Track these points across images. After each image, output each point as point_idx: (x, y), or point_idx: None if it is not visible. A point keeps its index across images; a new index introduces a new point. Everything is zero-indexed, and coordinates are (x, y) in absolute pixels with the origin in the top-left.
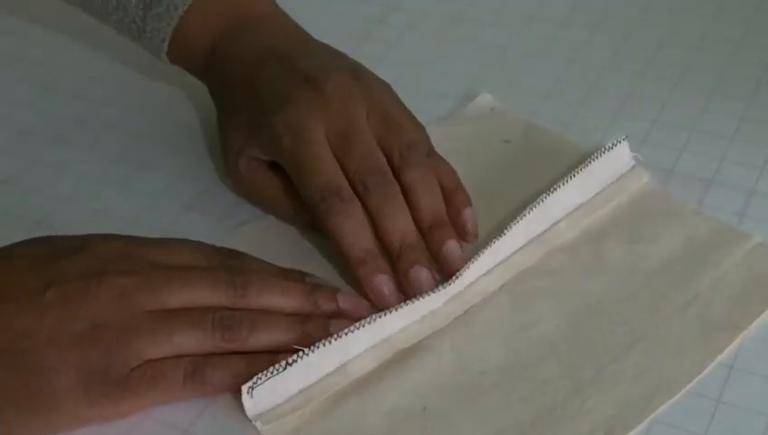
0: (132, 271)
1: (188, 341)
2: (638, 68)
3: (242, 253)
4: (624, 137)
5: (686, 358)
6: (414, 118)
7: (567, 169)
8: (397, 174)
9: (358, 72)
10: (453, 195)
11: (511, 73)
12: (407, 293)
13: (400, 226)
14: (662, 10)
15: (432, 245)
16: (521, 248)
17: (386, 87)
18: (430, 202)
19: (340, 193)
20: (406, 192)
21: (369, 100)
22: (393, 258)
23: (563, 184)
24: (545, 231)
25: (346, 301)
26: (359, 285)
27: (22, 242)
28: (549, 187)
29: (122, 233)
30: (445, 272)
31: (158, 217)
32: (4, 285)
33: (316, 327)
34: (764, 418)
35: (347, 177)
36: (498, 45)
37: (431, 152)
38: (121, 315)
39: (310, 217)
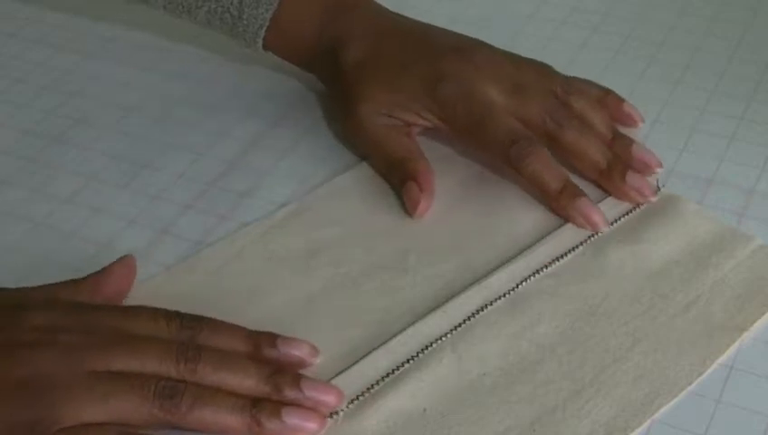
0: (84, 331)
1: (125, 406)
2: (638, 68)
3: (206, 319)
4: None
5: (686, 359)
6: None
7: None
8: (566, 105)
9: (489, 45)
10: (605, 99)
11: None
12: (626, 196)
13: (601, 147)
14: (662, 10)
15: (620, 151)
16: (522, 253)
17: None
18: (605, 119)
19: (528, 136)
20: (580, 116)
21: (511, 63)
22: (605, 174)
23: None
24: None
25: (310, 388)
26: (359, 304)
27: None
28: None
29: (122, 233)
30: (640, 169)
31: (158, 217)
32: None
33: (268, 412)
34: (764, 418)
35: (533, 122)
36: (498, 45)
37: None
38: (62, 372)
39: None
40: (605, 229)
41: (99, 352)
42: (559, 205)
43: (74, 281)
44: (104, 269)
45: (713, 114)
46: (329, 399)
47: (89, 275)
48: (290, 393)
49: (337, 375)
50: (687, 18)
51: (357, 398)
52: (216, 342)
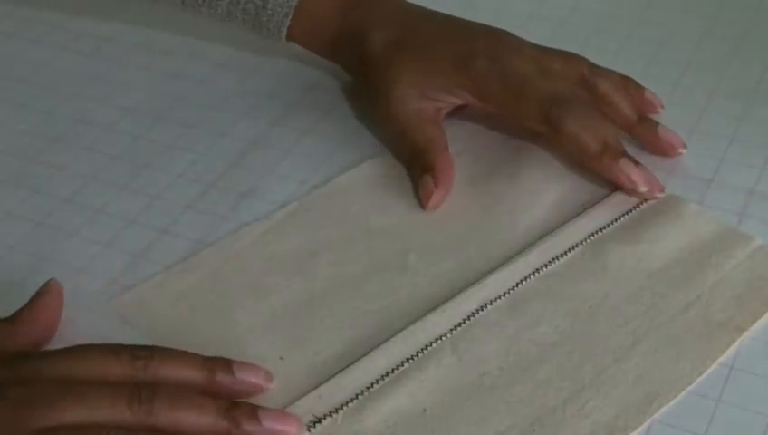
0: (29, 384)
1: None
2: (639, 68)
3: (158, 348)
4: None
5: (686, 359)
6: None
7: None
8: (592, 88)
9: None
10: (627, 84)
11: None
12: (662, 150)
13: (631, 105)
14: (662, 10)
15: (645, 133)
16: (522, 253)
17: None
18: (630, 102)
19: (568, 97)
20: (605, 98)
21: (539, 48)
22: (637, 124)
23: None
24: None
25: (268, 418)
26: (359, 304)
27: None
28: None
29: (122, 233)
30: (666, 150)
31: (158, 217)
32: None
33: None
34: (764, 418)
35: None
36: None
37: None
38: (9, 433)
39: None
40: (644, 190)
41: (47, 406)
42: (602, 165)
43: (3, 322)
44: (34, 303)
45: (713, 114)
46: (288, 428)
47: (16, 313)
48: (248, 427)
49: (337, 375)
50: (687, 18)
51: (357, 398)
52: (170, 371)
